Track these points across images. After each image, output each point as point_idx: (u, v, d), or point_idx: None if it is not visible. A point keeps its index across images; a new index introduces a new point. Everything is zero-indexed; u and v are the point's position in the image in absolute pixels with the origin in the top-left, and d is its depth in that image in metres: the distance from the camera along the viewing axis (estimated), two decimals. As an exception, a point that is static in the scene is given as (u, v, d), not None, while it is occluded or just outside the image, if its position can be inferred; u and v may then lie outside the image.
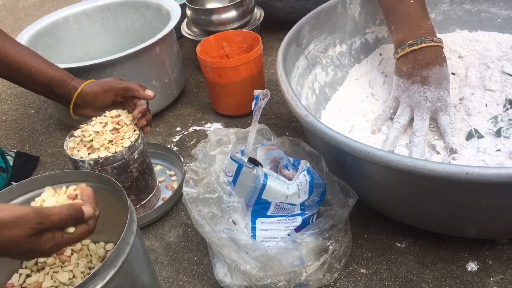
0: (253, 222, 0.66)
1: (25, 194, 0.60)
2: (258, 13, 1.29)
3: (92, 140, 0.73)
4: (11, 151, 0.99)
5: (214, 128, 1.04)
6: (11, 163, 0.95)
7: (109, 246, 0.66)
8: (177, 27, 1.20)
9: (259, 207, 0.66)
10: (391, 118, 0.83)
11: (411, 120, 0.79)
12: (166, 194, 0.87)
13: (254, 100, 0.68)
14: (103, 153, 0.72)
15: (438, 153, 0.76)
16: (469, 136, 0.77)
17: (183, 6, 1.22)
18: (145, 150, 0.79)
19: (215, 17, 1.18)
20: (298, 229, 0.66)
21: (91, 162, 0.71)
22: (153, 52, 1.01)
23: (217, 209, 0.65)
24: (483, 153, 0.73)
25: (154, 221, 0.83)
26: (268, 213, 0.66)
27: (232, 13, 1.18)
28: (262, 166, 0.65)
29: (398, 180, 0.63)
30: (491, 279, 0.66)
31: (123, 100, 0.79)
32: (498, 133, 0.75)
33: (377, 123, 0.82)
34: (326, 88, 0.92)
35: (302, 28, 0.86)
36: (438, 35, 0.80)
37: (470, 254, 0.69)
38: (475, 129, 0.77)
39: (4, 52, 0.76)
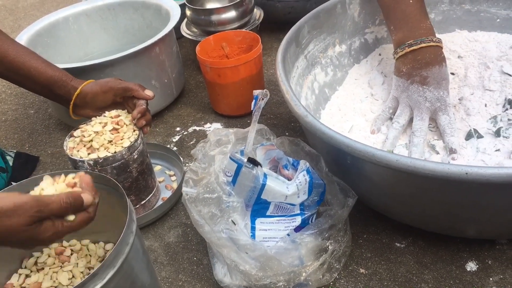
0: (253, 222, 0.66)
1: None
2: (258, 13, 1.29)
3: (91, 140, 0.73)
4: (11, 151, 0.99)
5: (213, 128, 1.04)
6: (11, 163, 0.95)
7: (109, 246, 0.66)
8: (177, 27, 1.20)
9: (259, 207, 0.66)
10: (391, 118, 0.83)
11: (411, 120, 0.79)
12: (166, 194, 0.87)
13: (254, 100, 0.68)
14: (102, 153, 0.72)
15: (437, 153, 0.76)
16: (469, 136, 0.77)
17: (182, 6, 1.22)
18: (145, 150, 0.79)
19: (214, 17, 1.18)
20: (297, 229, 0.66)
21: (91, 162, 0.71)
22: (152, 52, 1.01)
23: (217, 209, 0.65)
24: (483, 153, 0.73)
25: (154, 221, 0.83)
26: (268, 213, 0.66)
27: (232, 13, 1.18)
28: (261, 166, 0.65)
29: (398, 180, 0.63)
30: (491, 279, 0.66)
31: (123, 100, 0.79)
32: (497, 133, 0.75)
33: (376, 123, 0.82)
34: (326, 88, 0.92)
35: (301, 28, 0.86)
36: (437, 35, 0.80)
37: (470, 254, 0.69)
38: (474, 129, 0.77)
39: (4, 52, 0.76)
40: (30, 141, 1.11)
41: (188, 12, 1.22)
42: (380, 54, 0.98)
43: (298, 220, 0.67)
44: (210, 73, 1.00)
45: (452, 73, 0.87)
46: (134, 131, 0.76)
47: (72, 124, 1.00)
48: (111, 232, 0.64)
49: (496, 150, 0.73)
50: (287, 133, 0.99)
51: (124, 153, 0.73)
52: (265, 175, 0.64)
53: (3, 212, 0.44)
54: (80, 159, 0.71)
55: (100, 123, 0.76)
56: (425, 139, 0.77)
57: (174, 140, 1.03)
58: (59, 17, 1.17)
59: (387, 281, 0.67)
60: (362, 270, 0.69)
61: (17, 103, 1.28)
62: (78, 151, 0.73)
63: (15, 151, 0.99)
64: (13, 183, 0.61)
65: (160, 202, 0.85)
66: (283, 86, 0.72)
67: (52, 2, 2.03)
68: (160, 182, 0.90)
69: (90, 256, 0.65)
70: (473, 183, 0.53)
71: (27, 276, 0.62)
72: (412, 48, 0.77)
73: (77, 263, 0.63)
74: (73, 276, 0.62)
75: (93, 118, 0.78)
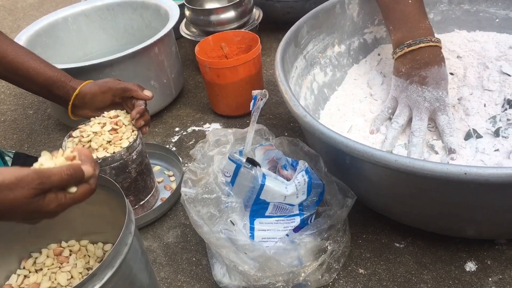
0: (252, 222, 0.66)
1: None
2: (257, 13, 1.29)
3: (90, 141, 0.73)
4: (10, 151, 0.99)
5: (212, 128, 1.04)
6: (9, 163, 0.94)
7: (107, 246, 0.66)
8: (176, 28, 1.20)
9: (258, 208, 0.66)
10: (390, 118, 0.83)
11: (410, 120, 0.79)
12: (165, 194, 0.87)
13: (253, 101, 0.68)
14: (101, 154, 0.72)
15: (436, 153, 0.76)
16: (468, 136, 0.77)
17: (181, 7, 1.21)
18: (144, 151, 0.79)
19: (213, 18, 1.18)
20: (296, 229, 0.66)
21: (90, 163, 0.71)
22: (151, 52, 1.01)
23: (216, 209, 0.65)
24: (482, 153, 0.73)
25: (153, 222, 0.82)
26: (267, 214, 0.66)
27: (231, 14, 1.18)
28: (260, 167, 0.65)
29: (397, 180, 0.62)
30: (490, 279, 0.66)
31: (122, 100, 0.79)
32: (496, 133, 0.75)
33: (375, 123, 0.82)
34: (325, 88, 0.92)
35: (300, 28, 0.86)
36: (436, 35, 0.80)
37: (469, 254, 0.69)
38: (473, 129, 0.77)
39: (2, 52, 0.76)
40: (29, 141, 1.11)
41: (187, 12, 1.22)
42: (379, 54, 0.98)
43: (297, 221, 0.67)
44: (209, 73, 1.00)
45: (451, 73, 0.87)
46: (133, 131, 0.76)
47: (71, 124, 1.00)
48: (109, 232, 0.64)
49: (495, 150, 0.73)
50: (286, 133, 0.99)
51: (123, 153, 0.73)
52: (264, 176, 0.64)
53: (5, 186, 0.44)
54: (79, 159, 0.71)
55: (99, 123, 0.76)
56: (424, 139, 0.77)
57: (173, 140, 1.03)
58: (58, 17, 1.16)
59: (386, 281, 0.67)
60: (361, 271, 0.69)
61: (16, 103, 1.28)
62: (77, 151, 0.73)
63: (14, 151, 0.99)
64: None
65: (159, 203, 0.84)
66: (282, 86, 0.72)
67: (51, 2, 2.03)
68: (159, 182, 0.89)
69: (89, 256, 0.65)
70: (472, 183, 0.53)
71: (25, 276, 0.62)
72: (411, 48, 0.77)
73: (76, 264, 0.63)
74: (71, 277, 0.61)
75: (92, 119, 0.77)
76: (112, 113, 0.78)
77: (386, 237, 0.74)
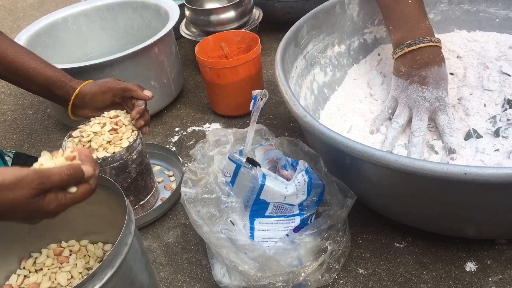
0: (252, 222, 0.66)
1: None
2: (257, 13, 1.29)
3: (90, 141, 0.73)
4: (10, 151, 0.99)
5: (212, 128, 1.04)
6: (9, 163, 0.94)
7: (107, 247, 0.66)
8: (176, 28, 1.20)
9: (258, 208, 0.66)
10: (390, 118, 0.83)
11: (410, 120, 0.79)
12: (165, 194, 0.87)
13: (253, 101, 0.68)
14: (101, 154, 0.72)
15: (436, 153, 0.76)
16: (468, 136, 0.77)
17: (181, 7, 1.21)
18: (144, 151, 0.79)
19: (213, 18, 1.18)
20: (296, 229, 0.66)
21: (90, 163, 0.71)
22: (151, 52, 1.01)
23: (216, 209, 0.65)
24: (482, 153, 0.73)
25: (153, 222, 0.82)
26: (267, 214, 0.66)
27: (231, 14, 1.18)
28: (260, 167, 0.65)
29: (397, 180, 0.62)
30: (490, 279, 0.66)
31: (122, 100, 0.79)
32: (496, 133, 0.75)
33: (375, 123, 0.82)
34: (325, 88, 0.92)
35: (300, 28, 0.86)
36: (436, 35, 0.80)
37: (469, 254, 0.69)
38: (473, 129, 0.77)
39: (2, 52, 0.76)
40: (29, 141, 1.11)
41: (187, 12, 1.22)
42: (379, 54, 0.98)
43: (297, 221, 0.67)
44: (209, 73, 1.00)
45: (451, 73, 0.87)
46: (133, 131, 0.76)
47: (71, 124, 1.00)
48: (109, 232, 0.64)
49: (495, 150, 0.73)
50: (286, 133, 0.99)
51: (123, 153, 0.73)
52: (264, 176, 0.64)
53: (5, 186, 0.44)
54: (79, 159, 0.71)
55: (99, 123, 0.75)
56: (424, 139, 0.77)
57: (173, 140, 1.03)
58: (58, 17, 1.16)
59: (386, 281, 0.67)
60: (361, 271, 0.69)
61: (16, 103, 1.28)
62: (77, 151, 0.73)
63: (14, 151, 0.99)
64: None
65: (159, 203, 0.84)
66: (282, 86, 0.72)
67: (51, 2, 2.03)
68: (159, 182, 0.89)
69: (89, 256, 0.65)
70: (472, 183, 0.53)
71: (25, 276, 0.62)
72: (411, 48, 0.77)
73: (76, 264, 0.63)
74: (71, 277, 0.61)
75: (92, 119, 0.77)
76: (112, 113, 0.78)
77: (386, 237, 0.74)
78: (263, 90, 0.68)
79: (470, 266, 0.68)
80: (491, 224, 0.64)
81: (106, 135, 0.74)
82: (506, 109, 0.78)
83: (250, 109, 0.68)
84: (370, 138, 0.81)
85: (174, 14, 1.08)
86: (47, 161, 0.50)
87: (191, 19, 1.22)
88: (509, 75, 0.81)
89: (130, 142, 0.74)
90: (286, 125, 1.01)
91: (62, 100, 0.80)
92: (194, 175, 0.70)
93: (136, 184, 0.78)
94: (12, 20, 1.90)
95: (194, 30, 1.26)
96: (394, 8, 0.81)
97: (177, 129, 1.06)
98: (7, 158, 0.95)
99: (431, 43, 0.77)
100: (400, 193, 0.65)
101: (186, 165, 0.94)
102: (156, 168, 0.93)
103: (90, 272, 0.47)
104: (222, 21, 1.18)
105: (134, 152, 0.75)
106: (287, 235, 0.66)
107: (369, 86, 0.92)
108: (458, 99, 0.83)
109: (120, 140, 0.74)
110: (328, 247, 0.65)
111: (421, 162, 0.54)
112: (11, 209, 0.45)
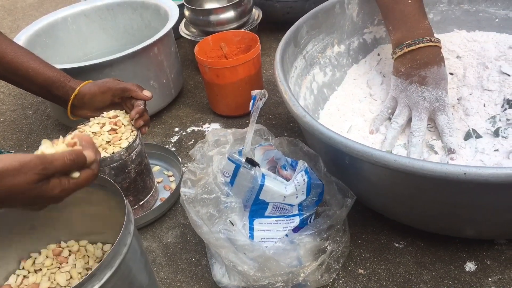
0: (251, 222, 0.66)
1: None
2: (256, 13, 1.29)
3: (89, 141, 0.73)
4: (9, 151, 0.99)
5: (212, 128, 1.04)
6: (9, 164, 0.94)
7: (107, 247, 0.66)
8: (175, 28, 1.20)
9: (257, 208, 0.66)
10: (389, 118, 0.83)
11: (409, 120, 0.79)
12: (164, 194, 0.87)
13: (252, 101, 0.68)
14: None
15: (436, 153, 0.76)
16: (467, 136, 0.77)
17: (181, 7, 1.21)
18: (143, 151, 0.79)
19: (213, 18, 1.18)
20: (296, 229, 0.66)
21: (89, 163, 0.71)
22: (151, 52, 1.01)
23: (215, 209, 0.65)
24: (481, 153, 0.73)
25: (152, 222, 0.82)
26: (266, 214, 0.66)
27: (230, 14, 1.18)
28: (259, 167, 0.65)
29: (396, 180, 0.62)
30: (489, 279, 0.66)
31: (121, 100, 0.79)
32: (496, 133, 0.75)
33: (375, 123, 0.82)
34: (324, 89, 0.92)
35: (300, 28, 0.86)
36: (436, 35, 0.80)
37: (468, 254, 0.69)
38: (473, 129, 0.77)
39: (2, 52, 0.76)
40: (29, 141, 1.11)
41: (186, 12, 1.22)
42: (378, 54, 0.98)
43: (296, 221, 0.67)
44: (209, 73, 1.00)
45: (451, 73, 0.87)
46: (132, 131, 0.76)
47: (70, 124, 0.99)
48: (109, 233, 0.64)
49: (495, 150, 0.73)
50: (285, 134, 0.99)
51: (122, 153, 0.73)
52: (263, 176, 0.64)
53: (9, 171, 0.44)
54: (78, 159, 0.71)
55: (98, 123, 0.75)
56: (423, 139, 0.77)
57: (172, 140, 1.03)
58: (57, 17, 1.16)
59: (386, 282, 0.67)
60: (360, 271, 0.69)
61: (15, 103, 1.28)
62: (76, 151, 0.72)
63: (13, 151, 0.99)
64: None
65: (158, 203, 0.84)
66: (281, 86, 0.72)
67: (50, 2, 2.03)
68: (158, 182, 0.89)
69: (88, 257, 0.65)
70: (472, 183, 0.53)
71: (25, 277, 0.62)
72: (410, 48, 0.77)
73: (75, 264, 0.63)
74: (71, 277, 0.61)
75: (91, 119, 0.77)
76: (112, 113, 0.78)
77: (385, 237, 0.74)
78: (263, 90, 0.68)
79: (470, 266, 0.68)
80: (491, 224, 0.64)
81: (105, 135, 0.74)
82: (505, 109, 0.78)
83: (250, 109, 0.68)
84: (370, 138, 0.81)
85: (173, 14, 1.08)
86: (47, 149, 0.50)
87: (190, 19, 1.22)
88: (508, 75, 0.81)
89: (129, 142, 0.74)
90: (286, 125, 1.01)
91: (61, 100, 0.80)
92: (193, 175, 0.70)
93: (135, 184, 0.78)
94: (11, 20, 1.90)
95: (193, 30, 1.26)
96: (394, 8, 0.81)
97: (176, 129, 1.06)
98: (6, 158, 0.95)
99: (430, 43, 0.77)
100: (399, 193, 0.65)
101: (185, 165, 0.94)
102: (155, 168, 0.93)
103: (89, 272, 0.47)
104: (222, 21, 1.18)
105: (134, 152, 0.75)
106: (286, 235, 0.65)
107: (368, 86, 0.92)
108: (457, 99, 0.83)
109: (119, 140, 0.74)
110: (328, 247, 0.65)
111: (421, 162, 0.54)
112: (14, 195, 0.45)
